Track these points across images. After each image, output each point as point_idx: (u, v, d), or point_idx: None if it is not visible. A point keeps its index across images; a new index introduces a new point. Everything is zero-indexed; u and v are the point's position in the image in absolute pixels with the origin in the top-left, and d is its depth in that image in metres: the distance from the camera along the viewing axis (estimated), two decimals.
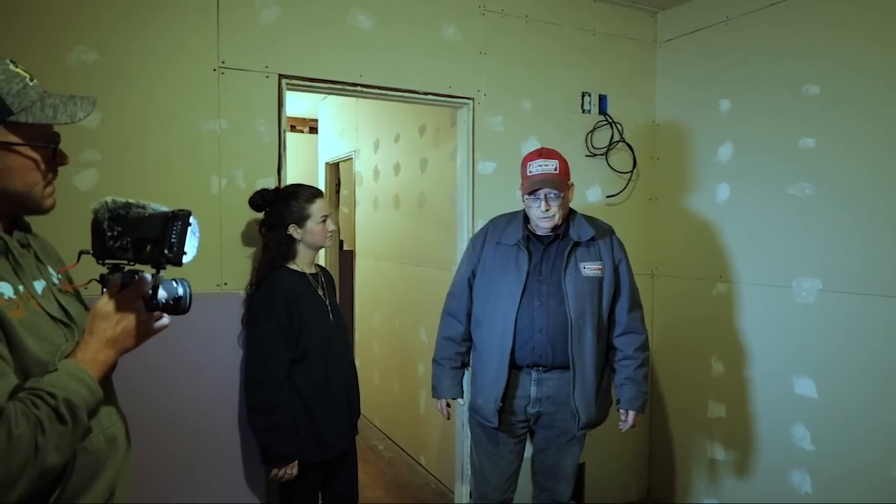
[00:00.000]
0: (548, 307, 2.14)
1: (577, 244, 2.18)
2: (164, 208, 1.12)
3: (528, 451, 2.37)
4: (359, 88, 2.55)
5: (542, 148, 2.26)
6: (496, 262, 2.23)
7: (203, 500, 2.27)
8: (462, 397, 2.35)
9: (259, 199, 2.21)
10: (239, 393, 2.30)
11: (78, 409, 0.97)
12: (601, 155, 3.09)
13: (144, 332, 1.11)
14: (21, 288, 1.02)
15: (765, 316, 2.69)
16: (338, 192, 5.67)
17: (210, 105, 2.26)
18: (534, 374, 2.18)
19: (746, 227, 2.76)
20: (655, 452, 3.29)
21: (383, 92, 2.60)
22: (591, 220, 2.26)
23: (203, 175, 2.26)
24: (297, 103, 5.32)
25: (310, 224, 2.16)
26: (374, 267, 4.56)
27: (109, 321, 1.05)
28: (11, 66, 1.02)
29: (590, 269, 2.18)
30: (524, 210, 2.23)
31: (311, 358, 2.11)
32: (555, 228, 2.17)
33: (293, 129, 6.05)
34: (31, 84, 1.03)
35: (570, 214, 2.25)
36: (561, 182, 2.12)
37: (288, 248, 2.17)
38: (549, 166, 2.14)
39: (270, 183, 2.34)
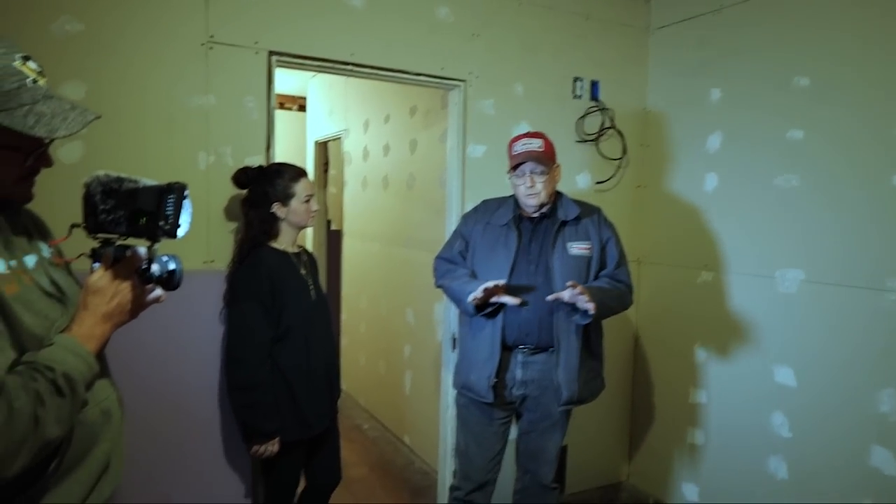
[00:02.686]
0: (535, 286, 2.16)
1: (564, 223, 2.20)
2: (155, 182, 1.11)
3: (513, 433, 2.40)
4: (350, 67, 2.52)
5: (529, 131, 2.28)
6: (486, 241, 2.25)
7: (188, 476, 2.28)
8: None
9: (242, 177, 2.19)
10: (221, 370, 2.30)
11: (76, 382, 0.98)
12: (591, 141, 3.09)
13: (138, 305, 1.12)
14: (13, 263, 1.02)
15: (748, 305, 2.73)
16: (326, 171, 5.62)
17: (198, 80, 2.23)
18: (520, 357, 2.20)
19: (733, 216, 2.79)
20: (637, 436, 3.34)
21: (375, 71, 2.58)
22: (577, 202, 2.29)
23: (190, 151, 2.24)
24: (287, 80, 5.25)
25: (294, 203, 2.15)
26: (361, 248, 4.55)
27: (104, 296, 1.06)
28: (16, 63, 0.99)
29: (577, 248, 2.20)
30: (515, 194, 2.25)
31: (293, 336, 2.11)
32: (541, 207, 2.18)
33: (282, 106, 5.98)
34: (29, 85, 1.00)
35: (557, 196, 2.27)
36: (545, 158, 2.14)
37: (271, 226, 2.16)
38: (533, 144, 2.16)
39: (259, 161, 2.32)
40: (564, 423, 2.33)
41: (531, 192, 2.15)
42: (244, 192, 2.22)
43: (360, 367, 4.51)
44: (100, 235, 1.11)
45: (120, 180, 1.09)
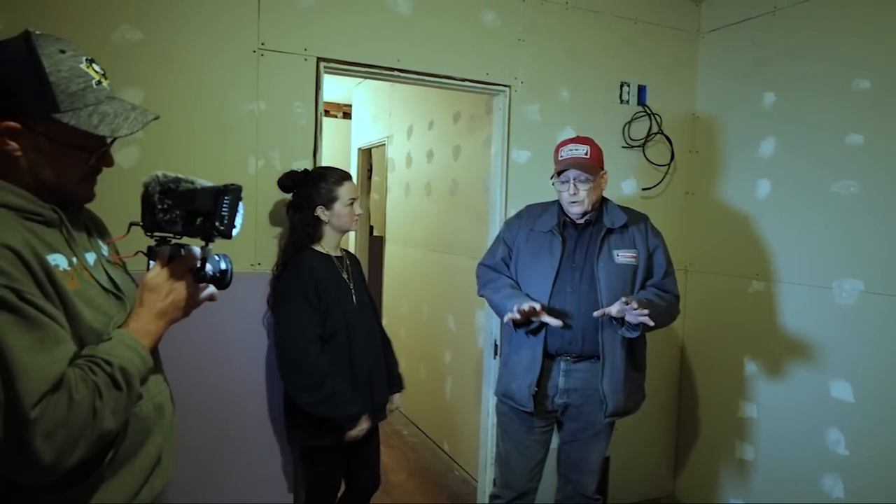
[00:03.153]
0: (579, 294, 2.13)
1: (610, 231, 2.16)
2: (211, 184, 1.13)
3: (555, 442, 2.36)
4: (396, 73, 2.54)
5: (577, 136, 2.24)
6: (529, 247, 2.22)
7: (233, 474, 2.32)
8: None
9: (288, 181, 2.22)
10: (267, 371, 2.33)
11: (132, 376, 1.01)
12: (638, 147, 3.04)
13: (192, 303, 1.15)
14: (75, 260, 1.05)
15: (802, 316, 2.62)
16: (369, 177, 5.69)
17: (249, 86, 2.28)
18: (563, 365, 2.17)
19: (786, 224, 2.69)
20: (682, 450, 3.25)
21: (420, 77, 2.59)
22: (624, 208, 2.25)
23: (240, 155, 2.29)
24: (332, 88, 5.34)
25: (337, 206, 2.17)
26: (403, 253, 4.58)
27: (159, 293, 1.09)
28: (82, 65, 1.03)
29: (623, 256, 2.15)
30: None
31: (336, 340, 2.12)
32: (584, 214, 2.15)
33: (327, 113, 6.07)
34: (94, 87, 1.04)
35: (603, 202, 2.23)
36: (590, 166, 2.10)
37: (314, 229, 2.18)
38: (579, 151, 2.13)
39: (306, 165, 2.36)
40: (608, 433, 2.28)
41: (575, 199, 2.12)
42: (290, 195, 2.26)
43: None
44: (156, 234, 1.14)
45: (178, 181, 1.12)
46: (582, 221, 2.19)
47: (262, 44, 2.29)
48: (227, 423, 2.31)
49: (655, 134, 3.06)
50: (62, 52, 1.01)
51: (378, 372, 2.27)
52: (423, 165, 4.15)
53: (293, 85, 2.35)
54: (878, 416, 2.32)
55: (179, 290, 1.11)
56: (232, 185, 1.12)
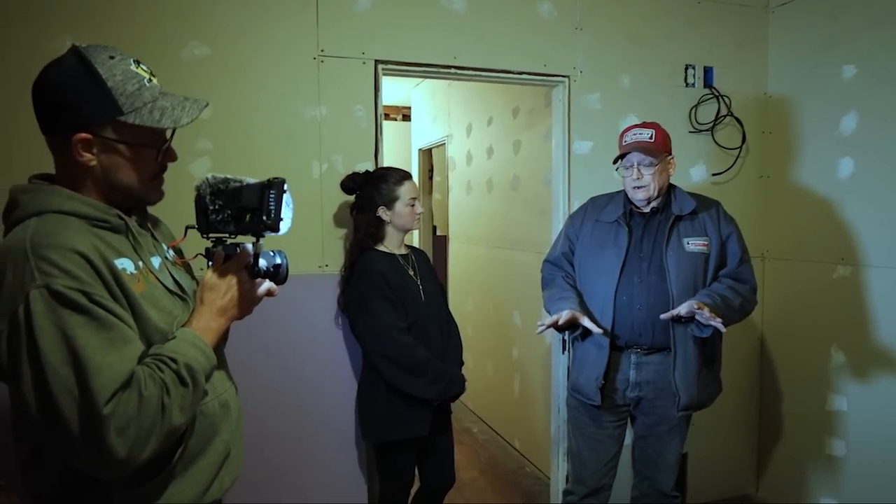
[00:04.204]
0: (648, 284, 2.06)
1: (679, 218, 2.09)
2: (256, 180, 1.15)
3: (629, 438, 2.30)
4: (453, 70, 2.55)
5: (643, 122, 2.18)
6: (595, 239, 2.18)
7: (305, 473, 2.38)
8: (579, 311, 2.06)
9: (350, 183, 2.27)
10: (338, 368, 2.38)
11: (197, 373, 1.05)
12: (706, 131, 2.92)
13: (250, 300, 1.19)
14: (140, 264, 1.10)
15: (893, 301, 2.45)
16: (431, 178, 5.73)
17: (311, 93, 2.34)
18: (633, 357, 2.11)
19: (873, 204, 2.52)
20: (766, 446, 3.10)
21: (477, 73, 2.59)
22: (694, 195, 2.16)
23: (305, 160, 2.35)
24: (391, 91, 5.41)
25: (398, 206, 2.19)
26: (467, 251, 4.58)
27: (218, 291, 1.14)
28: (132, 67, 1.08)
29: (694, 244, 2.07)
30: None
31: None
32: (650, 200, 2.09)
33: (387, 117, 6.17)
34: (147, 85, 1.08)
35: (671, 189, 2.16)
36: (654, 149, 2.04)
37: (377, 229, 2.21)
38: (643, 135, 2.07)
39: (368, 167, 2.40)
40: (684, 428, 2.20)
41: (638, 184, 2.06)
42: (351, 197, 2.30)
43: (467, 369, 4.48)
44: (212, 235, 1.18)
45: (226, 181, 1.15)
46: (648, 209, 2.13)
47: (322, 50, 2.35)
48: (300, 421, 2.37)
49: (725, 116, 2.93)
50: (111, 57, 1.06)
51: (451, 362, 2.27)
52: (484, 162, 4.14)
53: (353, 88, 2.40)
54: None
55: (236, 287, 1.15)
56: (276, 178, 1.13)
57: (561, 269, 2.28)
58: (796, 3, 2.87)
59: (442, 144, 5.02)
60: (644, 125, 2.11)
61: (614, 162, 2.13)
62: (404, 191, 2.20)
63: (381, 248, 2.23)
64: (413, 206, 2.22)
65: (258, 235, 1.16)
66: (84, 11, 2.06)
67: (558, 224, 2.69)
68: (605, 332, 2.06)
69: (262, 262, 1.19)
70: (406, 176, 2.24)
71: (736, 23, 2.96)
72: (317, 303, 2.37)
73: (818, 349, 2.77)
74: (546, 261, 2.36)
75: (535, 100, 3.35)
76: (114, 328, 0.96)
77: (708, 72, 2.92)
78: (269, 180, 1.13)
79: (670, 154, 2.12)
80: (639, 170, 2.05)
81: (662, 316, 1.98)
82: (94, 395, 0.91)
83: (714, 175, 2.96)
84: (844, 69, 2.62)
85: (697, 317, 1.92)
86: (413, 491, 2.31)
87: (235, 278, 1.15)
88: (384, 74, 2.45)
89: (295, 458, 2.37)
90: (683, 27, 2.87)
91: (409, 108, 5.81)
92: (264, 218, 1.11)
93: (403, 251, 2.29)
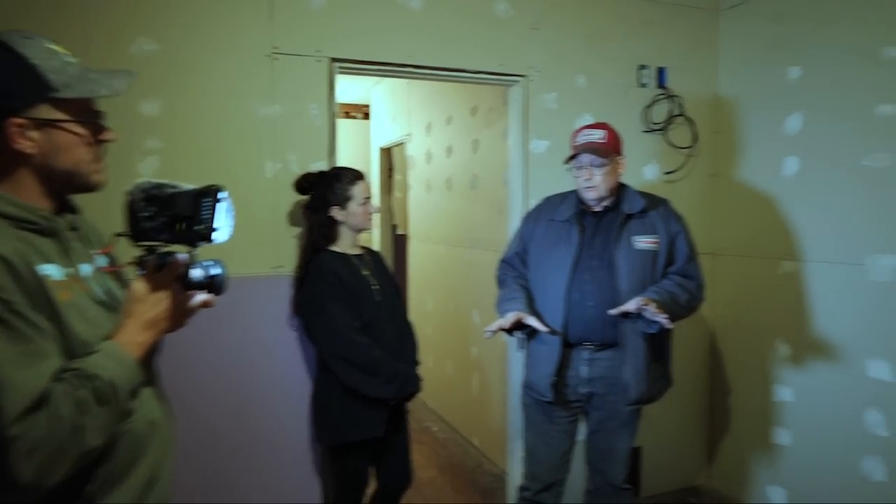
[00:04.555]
0: (599, 282, 2.10)
1: (629, 217, 2.13)
2: (192, 187, 1.10)
3: (583, 433, 2.34)
4: (409, 69, 2.54)
5: (595, 122, 2.22)
6: (548, 238, 2.21)
7: (256, 479, 2.34)
8: (525, 311, 2.12)
9: (304, 183, 2.25)
10: (292, 370, 2.36)
11: (119, 390, 0.98)
12: (659, 130, 2.98)
13: (182, 312, 1.11)
14: (70, 270, 1.04)
15: (835, 295, 2.55)
16: (391, 176, 5.70)
17: (264, 91, 2.31)
18: (585, 354, 2.15)
19: (816, 201, 2.61)
20: (716, 437, 3.19)
21: (434, 72, 2.59)
22: (643, 193, 2.21)
23: (257, 160, 2.31)
24: (351, 89, 5.37)
25: (352, 206, 2.18)
26: (427, 250, 4.58)
27: (146, 303, 1.06)
28: (52, 45, 1.03)
29: (643, 242, 2.12)
30: None
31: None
32: (601, 200, 2.13)
33: (347, 115, 6.12)
34: (71, 61, 1.04)
35: (622, 189, 2.20)
36: (604, 150, 2.08)
37: (330, 230, 2.20)
38: (594, 135, 2.11)
39: (322, 166, 2.37)
40: (634, 422, 2.24)
41: (589, 184, 2.10)
42: (307, 197, 2.28)
43: (427, 368, 4.50)
44: (144, 243, 1.10)
45: (160, 186, 1.09)
46: (600, 208, 2.17)
47: (276, 48, 2.31)
48: (252, 425, 2.34)
49: (677, 116, 3.00)
50: (28, 38, 1.01)
51: (407, 362, 2.26)
52: (443, 161, 4.15)
53: (308, 87, 2.37)
54: None
55: (167, 299, 1.07)
56: (213, 185, 1.08)
57: (514, 268, 2.31)
58: (745, 6, 2.95)
59: (402, 143, 5.01)
60: (595, 125, 2.15)
61: (566, 162, 2.16)
62: (358, 190, 2.19)
63: (334, 248, 2.21)
64: (366, 205, 2.21)
65: (192, 245, 1.09)
66: (24, 4, 1.98)
67: (516, 223, 2.71)
68: (553, 331, 2.09)
69: (197, 273, 1.11)
70: (359, 176, 2.22)
71: (688, 24, 3.03)
72: (270, 304, 2.33)
73: (765, 342, 2.87)
74: (501, 260, 2.38)
75: (494, 99, 3.37)
76: (30, 341, 0.90)
77: (661, 72, 2.98)
78: (205, 187, 1.08)
79: (620, 154, 2.16)
80: (589, 170, 2.09)
81: (610, 312, 2.02)
82: (0, 413, 0.85)
83: (667, 174, 3.02)
84: (790, 71, 2.71)
85: (644, 313, 1.97)
86: (370, 492, 2.30)
87: (166, 290, 1.07)
88: (340, 73, 2.43)
89: (247, 461, 2.33)
90: (639, 28, 2.92)
91: (369, 106, 5.77)
92: (197, 227, 1.05)
93: (358, 251, 2.27)
